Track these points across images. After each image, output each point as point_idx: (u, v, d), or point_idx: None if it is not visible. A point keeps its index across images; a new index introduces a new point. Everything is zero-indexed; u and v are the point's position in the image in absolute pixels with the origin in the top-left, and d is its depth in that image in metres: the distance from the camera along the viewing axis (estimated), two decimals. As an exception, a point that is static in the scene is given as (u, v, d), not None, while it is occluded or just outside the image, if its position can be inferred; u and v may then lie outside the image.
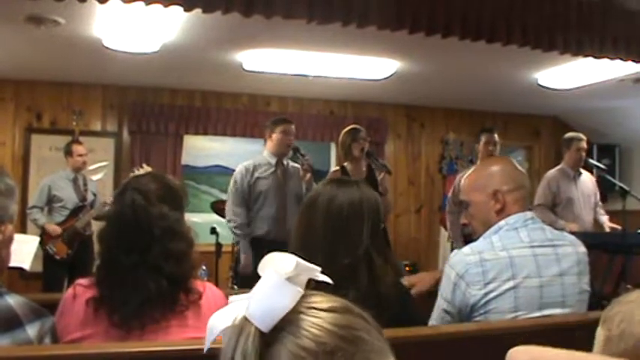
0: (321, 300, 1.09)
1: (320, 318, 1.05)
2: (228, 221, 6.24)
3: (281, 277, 1.07)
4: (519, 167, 3.14)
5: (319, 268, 1.17)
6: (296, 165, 6.40)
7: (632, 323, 1.36)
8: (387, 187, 6.44)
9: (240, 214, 6.16)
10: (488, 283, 2.70)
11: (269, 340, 1.04)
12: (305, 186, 6.24)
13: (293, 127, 6.28)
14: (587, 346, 1.68)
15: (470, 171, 3.49)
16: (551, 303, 2.75)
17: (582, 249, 2.97)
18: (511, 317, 2.69)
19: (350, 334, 1.03)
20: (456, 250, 2.95)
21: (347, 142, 6.45)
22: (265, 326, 1.04)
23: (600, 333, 1.43)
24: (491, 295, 2.69)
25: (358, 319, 1.07)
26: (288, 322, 1.04)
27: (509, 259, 2.74)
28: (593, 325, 1.72)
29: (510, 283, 2.70)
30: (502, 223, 2.88)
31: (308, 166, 6.19)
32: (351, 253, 2.44)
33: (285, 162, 6.32)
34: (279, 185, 6.20)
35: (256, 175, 6.16)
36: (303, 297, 1.09)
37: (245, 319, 1.06)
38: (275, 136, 6.20)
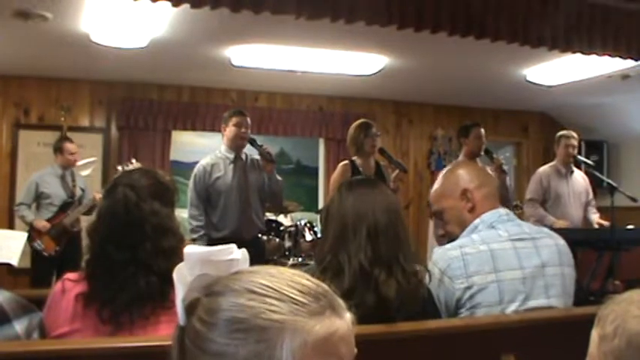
0: (220, 282, 1.13)
1: (200, 306, 1.11)
2: (189, 223, 5.93)
3: (178, 277, 1.15)
4: (481, 167, 3.32)
5: (232, 245, 1.22)
6: (257, 157, 6.16)
7: (625, 320, 1.37)
8: (398, 185, 6.35)
9: (199, 217, 5.92)
10: (470, 277, 2.73)
11: (183, 332, 1.12)
12: (267, 176, 6.06)
13: (248, 119, 6.08)
14: (577, 340, 1.68)
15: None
16: (535, 294, 2.78)
17: (561, 241, 3.01)
18: (498, 310, 2.72)
19: (216, 318, 1.07)
20: (437, 247, 2.97)
21: (359, 137, 6.23)
22: (180, 320, 1.13)
23: (595, 333, 1.44)
24: (475, 288, 2.72)
25: (238, 298, 1.08)
26: (192, 313, 1.12)
27: (489, 253, 2.78)
28: (583, 320, 1.73)
29: (493, 276, 2.73)
30: (477, 221, 2.93)
31: (268, 155, 5.97)
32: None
33: (243, 155, 6.12)
34: (240, 182, 5.98)
35: (214, 175, 5.93)
36: (213, 282, 1.14)
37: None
38: (228, 129, 6.00)
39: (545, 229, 3.13)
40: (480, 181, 3.03)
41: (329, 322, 1.07)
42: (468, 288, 2.72)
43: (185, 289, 1.13)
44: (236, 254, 1.19)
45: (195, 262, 1.14)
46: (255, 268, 1.15)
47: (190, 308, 1.11)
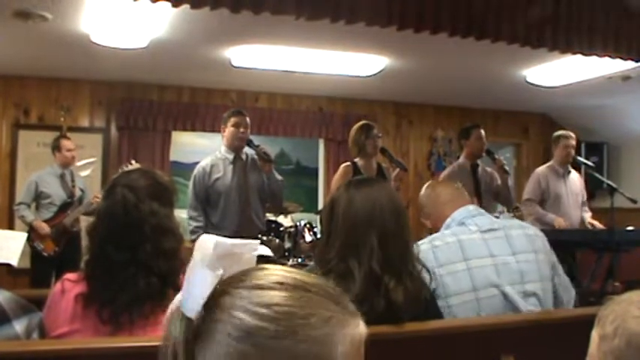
0: (256, 276, 1.09)
1: (244, 298, 1.04)
2: (188, 224, 5.93)
3: (202, 262, 1.08)
4: (438, 183, 3.66)
5: (257, 242, 1.19)
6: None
7: (625, 319, 1.37)
8: (399, 185, 6.35)
9: (198, 218, 5.93)
10: (440, 267, 2.85)
11: (198, 326, 1.05)
12: (266, 176, 6.02)
13: (247, 119, 6.03)
14: (577, 341, 1.68)
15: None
16: (510, 280, 2.89)
17: (531, 230, 3.15)
18: (472, 297, 2.82)
19: (274, 311, 1.02)
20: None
21: (361, 138, 6.25)
22: (190, 312, 1.04)
23: (595, 333, 1.44)
24: (446, 277, 2.84)
25: (292, 293, 1.05)
26: (216, 305, 1.05)
27: (458, 243, 2.93)
28: (582, 321, 1.73)
29: (463, 265, 2.86)
30: (449, 220, 3.13)
31: (265, 155, 5.93)
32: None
33: (244, 156, 6.09)
34: (239, 182, 5.96)
35: (213, 176, 5.92)
36: (240, 275, 1.10)
37: (177, 307, 1.07)
38: (227, 129, 5.97)
39: (516, 221, 3.36)
40: (429, 204, 3.34)
41: (361, 324, 1.09)
42: (440, 277, 2.83)
43: (209, 276, 1.07)
44: (261, 250, 1.19)
45: (222, 254, 1.11)
46: (287, 268, 1.14)
47: (227, 299, 1.05)
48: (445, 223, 3.11)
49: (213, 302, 1.05)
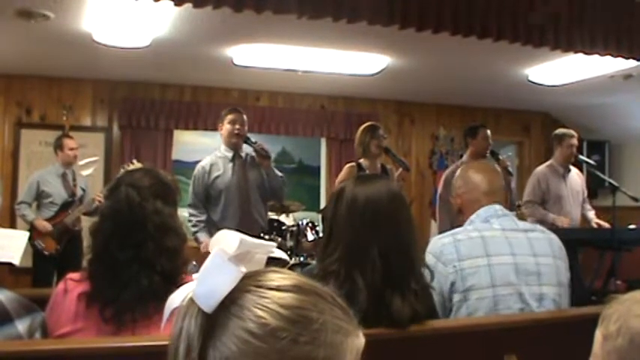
0: (272, 278, 1.09)
1: (265, 297, 1.04)
2: (189, 220, 5.92)
3: (224, 257, 1.07)
4: (484, 169, 3.40)
5: (273, 244, 1.19)
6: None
7: (628, 319, 1.38)
8: (402, 185, 6.38)
9: (199, 214, 5.95)
10: (462, 261, 2.85)
11: (214, 321, 1.04)
12: (265, 172, 6.03)
13: (243, 116, 6.04)
14: (579, 340, 1.68)
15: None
16: (527, 280, 2.89)
17: (553, 235, 3.14)
18: (490, 293, 2.82)
19: (295, 314, 1.03)
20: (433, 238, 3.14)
21: (366, 139, 6.30)
22: (208, 307, 1.03)
23: (598, 332, 1.45)
24: (467, 271, 2.84)
25: (310, 297, 1.06)
26: (233, 302, 1.04)
27: (481, 239, 2.93)
28: (585, 320, 1.73)
29: (484, 261, 2.86)
30: (473, 216, 3.11)
31: (262, 151, 5.92)
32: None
33: (243, 153, 6.09)
34: (239, 180, 5.97)
35: (213, 175, 5.94)
36: (256, 275, 1.09)
37: (191, 300, 1.06)
38: (224, 127, 6.00)
39: (539, 226, 3.29)
40: (468, 187, 3.26)
41: (361, 335, 1.10)
42: (460, 271, 2.84)
43: (233, 272, 1.06)
44: (277, 253, 1.19)
45: (244, 251, 1.10)
46: (295, 273, 1.14)
47: (247, 296, 1.05)
48: (470, 219, 3.11)
49: (230, 298, 1.04)
